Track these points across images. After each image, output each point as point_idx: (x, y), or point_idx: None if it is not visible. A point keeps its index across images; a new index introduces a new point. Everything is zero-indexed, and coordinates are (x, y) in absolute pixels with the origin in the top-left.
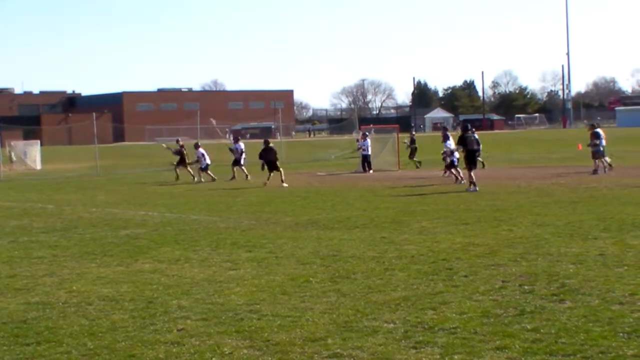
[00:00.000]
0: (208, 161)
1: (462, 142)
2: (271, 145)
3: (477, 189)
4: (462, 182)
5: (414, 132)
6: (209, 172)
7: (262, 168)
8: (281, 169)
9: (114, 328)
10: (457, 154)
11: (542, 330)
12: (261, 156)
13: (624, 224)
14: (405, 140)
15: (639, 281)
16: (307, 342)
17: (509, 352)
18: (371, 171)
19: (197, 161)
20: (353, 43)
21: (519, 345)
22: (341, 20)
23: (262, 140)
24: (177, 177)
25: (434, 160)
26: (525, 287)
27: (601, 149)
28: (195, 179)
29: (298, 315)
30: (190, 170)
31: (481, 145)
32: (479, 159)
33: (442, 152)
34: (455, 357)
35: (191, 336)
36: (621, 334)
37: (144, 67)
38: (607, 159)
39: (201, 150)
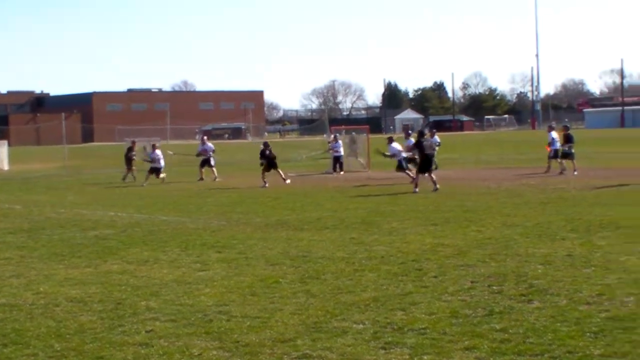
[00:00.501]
0: (162, 164)
1: (418, 146)
2: (270, 146)
3: (417, 190)
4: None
5: (353, 133)
6: (156, 175)
7: (262, 165)
8: (279, 170)
9: (82, 330)
10: (404, 154)
11: (510, 331)
12: (263, 155)
13: (591, 225)
14: (347, 141)
15: (606, 282)
16: (276, 343)
17: (478, 352)
18: (342, 172)
19: (152, 161)
20: (323, 44)
21: (488, 346)
22: (311, 21)
23: (236, 142)
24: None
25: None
26: (494, 287)
27: (573, 151)
28: (131, 179)
29: (267, 316)
30: (132, 170)
31: (436, 150)
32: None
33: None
34: (425, 357)
35: (160, 337)
36: (588, 334)
37: (113, 68)
38: (559, 160)
39: (158, 152)
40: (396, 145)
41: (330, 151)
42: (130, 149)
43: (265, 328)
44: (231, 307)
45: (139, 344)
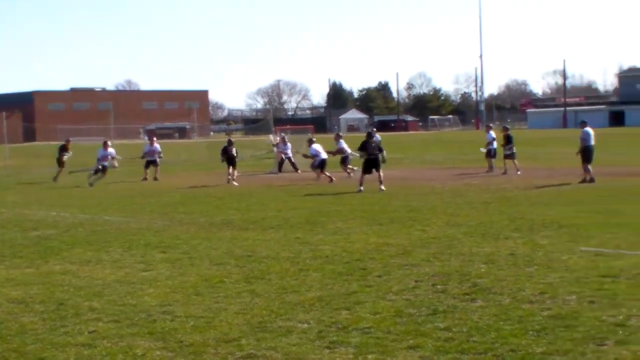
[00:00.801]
0: (106, 164)
1: (363, 148)
2: (233, 142)
3: (362, 189)
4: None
5: (283, 134)
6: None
7: (222, 161)
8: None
9: (24, 331)
10: (324, 155)
11: (454, 329)
12: (225, 152)
13: (534, 224)
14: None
15: (549, 280)
16: (220, 342)
17: (422, 351)
18: (299, 171)
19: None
20: (268, 43)
21: (432, 344)
22: (256, 21)
23: (180, 142)
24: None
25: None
26: (438, 286)
27: (514, 151)
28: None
29: (212, 316)
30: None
31: (384, 151)
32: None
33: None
34: (369, 356)
35: (103, 338)
36: (531, 332)
37: (56, 66)
38: (491, 159)
39: (111, 150)
40: (316, 147)
41: (279, 153)
42: (63, 148)
43: (209, 328)
44: (175, 307)
45: (81, 345)
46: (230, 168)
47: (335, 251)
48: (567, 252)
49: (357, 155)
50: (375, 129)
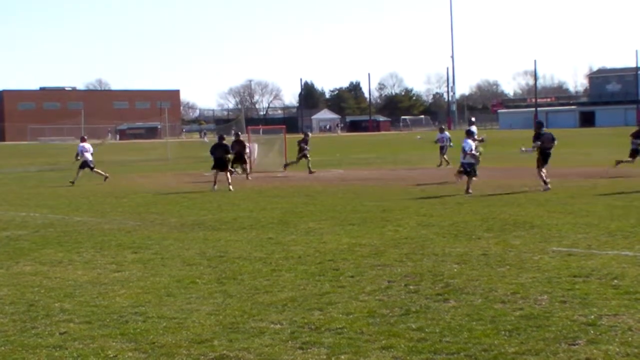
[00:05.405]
0: None
1: (537, 139)
2: (224, 141)
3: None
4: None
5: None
6: None
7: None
8: (228, 174)
9: None
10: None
11: (426, 330)
12: (212, 152)
13: (506, 224)
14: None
15: (520, 280)
16: (193, 344)
17: (395, 351)
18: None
19: None
20: (239, 43)
21: (404, 345)
22: (227, 20)
23: (151, 141)
24: None
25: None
26: (411, 287)
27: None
28: None
29: (184, 317)
30: None
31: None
32: None
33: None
34: (342, 357)
35: (74, 339)
36: (503, 332)
37: (25, 65)
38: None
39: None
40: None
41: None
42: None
43: (181, 329)
44: (147, 308)
45: (52, 346)
46: (217, 171)
47: (308, 251)
48: (538, 252)
49: (532, 148)
50: (309, 133)
